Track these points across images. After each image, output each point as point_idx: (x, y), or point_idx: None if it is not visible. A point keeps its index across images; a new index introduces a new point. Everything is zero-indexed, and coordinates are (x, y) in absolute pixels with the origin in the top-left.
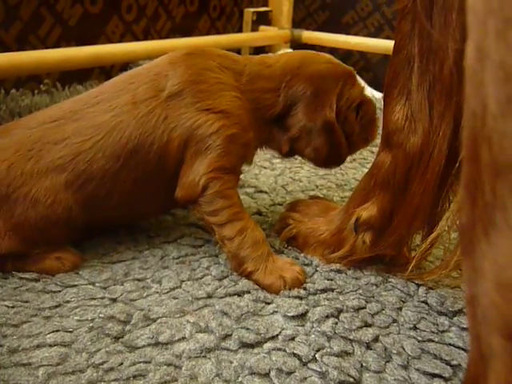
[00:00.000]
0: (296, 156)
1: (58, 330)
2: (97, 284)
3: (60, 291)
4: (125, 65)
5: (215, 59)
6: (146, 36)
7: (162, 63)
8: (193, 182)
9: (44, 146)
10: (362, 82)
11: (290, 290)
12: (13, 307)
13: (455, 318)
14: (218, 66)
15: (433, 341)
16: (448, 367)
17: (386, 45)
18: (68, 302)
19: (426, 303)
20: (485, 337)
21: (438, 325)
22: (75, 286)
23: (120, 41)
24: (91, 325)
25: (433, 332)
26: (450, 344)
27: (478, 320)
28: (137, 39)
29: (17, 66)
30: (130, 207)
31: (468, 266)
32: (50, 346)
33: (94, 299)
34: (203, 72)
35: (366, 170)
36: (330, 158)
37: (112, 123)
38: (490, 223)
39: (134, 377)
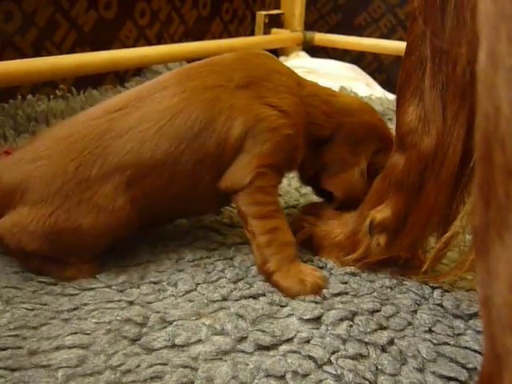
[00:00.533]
0: None
1: (76, 333)
2: (113, 287)
3: (78, 294)
4: (139, 69)
5: (282, 65)
6: (160, 40)
7: (230, 58)
8: (242, 174)
9: (110, 141)
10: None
11: (308, 295)
12: (32, 310)
13: (471, 321)
14: (286, 71)
15: (448, 344)
16: (464, 370)
17: (398, 46)
18: (86, 304)
19: (442, 306)
20: (499, 337)
21: (453, 328)
22: (92, 289)
23: (134, 45)
24: (109, 327)
25: (448, 335)
26: (465, 347)
27: (493, 320)
28: (150, 44)
29: (33, 72)
30: (186, 199)
31: (482, 268)
32: (69, 348)
33: (111, 302)
34: (271, 72)
35: (379, 173)
36: (349, 198)
37: (179, 106)
38: (503, 225)
39: (151, 378)
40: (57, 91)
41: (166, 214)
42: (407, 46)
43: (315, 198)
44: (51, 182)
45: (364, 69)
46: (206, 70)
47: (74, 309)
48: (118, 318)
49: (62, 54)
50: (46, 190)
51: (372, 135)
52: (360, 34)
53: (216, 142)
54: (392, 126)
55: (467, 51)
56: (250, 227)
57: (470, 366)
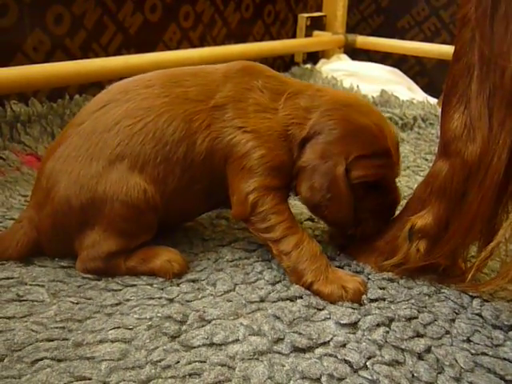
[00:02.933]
0: None
1: (119, 327)
2: (154, 285)
3: (120, 290)
4: None
5: (260, 80)
6: (202, 42)
7: (218, 72)
8: (241, 201)
9: (99, 137)
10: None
11: (349, 301)
12: (77, 303)
13: (510, 332)
14: (260, 87)
15: (487, 354)
16: (502, 382)
17: (442, 49)
18: (128, 300)
19: (481, 316)
20: None
21: (492, 338)
22: (134, 285)
23: (177, 47)
24: (150, 323)
25: (487, 345)
26: (504, 358)
27: None
28: (193, 46)
29: (81, 74)
30: (181, 199)
31: None
32: (112, 341)
33: (152, 299)
34: (244, 91)
35: (420, 178)
36: (329, 212)
37: (162, 109)
38: None
39: (190, 375)
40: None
41: (173, 212)
42: (455, 51)
43: None
44: (68, 206)
45: (406, 72)
46: (192, 80)
47: (117, 304)
48: (158, 314)
49: (108, 55)
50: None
51: (356, 137)
52: (402, 37)
53: (200, 157)
54: (433, 131)
55: None
56: (275, 250)
57: (509, 377)
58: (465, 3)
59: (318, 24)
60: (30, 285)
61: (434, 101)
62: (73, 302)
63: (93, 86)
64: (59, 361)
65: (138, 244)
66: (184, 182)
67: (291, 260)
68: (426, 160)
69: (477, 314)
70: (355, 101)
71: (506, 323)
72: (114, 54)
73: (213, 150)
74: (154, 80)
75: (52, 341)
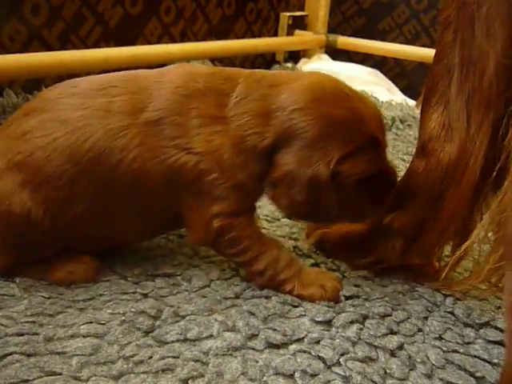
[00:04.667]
0: None
1: (91, 322)
2: (129, 278)
3: (93, 284)
4: (162, 66)
5: (201, 80)
6: (183, 38)
7: (150, 78)
8: (202, 226)
9: (10, 142)
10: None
11: (328, 299)
12: (49, 298)
13: (481, 331)
14: (202, 89)
15: (458, 352)
16: (472, 379)
17: (422, 52)
18: (101, 295)
19: (453, 314)
20: None
21: (463, 336)
22: (108, 280)
23: (158, 42)
24: (123, 318)
25: (458, 343)
26: (474, 356)
27: None
28: (174, 41)
29: (58, 65)
30: (98, 223)
31: (510, 276)
32: (84, 336)
33: (126, 293)
34: (184, 100)
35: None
36: (311, 216)
37: (78, 123)
38: None
39: (163, 370)
40: None
41: (88, 236)
42: (436, 53)
43: None
44: None
45: (386, 74)
46: (121, 87)
47: (90, 299)
48: (132, 309)
49: (87, 48)
50: None
51: (334, 134)
52: (383, 39)
53: (126, 179)
54: (411, 133)
55: (495, 62)
56: (246, 272)
57: (478, 374)
58: (447, 6)
59: (299, 23)
60: (1, 279)
61: (412, 102)
62: (44, 297)
63: (70, 78)
64: (29, 355)
65: (35, 257)
66: (101, 205)
67: (265, 278)
68: (404, 161)
69: (449, 312)
70: (321, 89)
71: (477, 321)
72: (93, 47)
73: (146, 173)
74: (78, 87)
75: (22, 335)
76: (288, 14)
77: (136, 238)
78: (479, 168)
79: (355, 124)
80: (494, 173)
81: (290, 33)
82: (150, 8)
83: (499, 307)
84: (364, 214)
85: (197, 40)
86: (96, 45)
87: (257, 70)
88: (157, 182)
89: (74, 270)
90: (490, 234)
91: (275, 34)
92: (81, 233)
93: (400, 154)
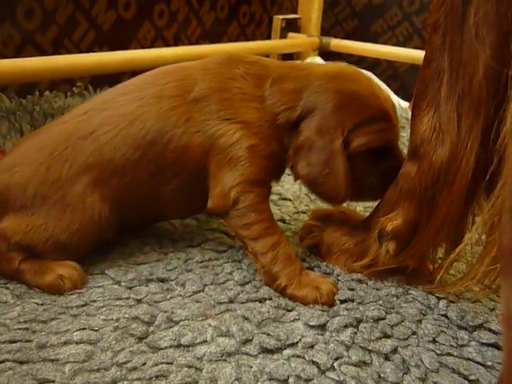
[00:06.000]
0: None
1: (84, 328)
2: (122, 283)
3: (87, 290)
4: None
5: (241, 67)
6: (177, 41)
7: (195, 67)
8: (223, 195)
9: (76, 142)
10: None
11: (324, 303)
12: (42, 304)
13: (475, 333)
14: (243, 74)
15: (451, 355)
16: (466, 382)
17: (414, 54)
18: (94, 301)
19: (446, 317)
20: None
21: (457, 339)
22: (101, 286)
23: (151, 46)
24: (116, 324)
25: (452, 346)
26: (468, 359)
27: None
28: (167, 44)
29: (52, 70)
30: (151, 203)
31: (507, 287)
32: (77, 343)
33: (120, 299)
34: (227, 81)
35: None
36: (325, 187)
37: (136, 113)
38: None
39: (157, 377)
40: (74, 88)
41: (141, 215)
42: (425, 56)
43: (325, 204)
44: (26, 187)
45: (379, 76)
46: (167, 77)
47: (83, 305)
48: (125, 315)
49: (80, 52)
50: (23, 195)
51: (351, 106)
52: (376, 41)
53: (175, 154)
54: (404, 135)
55: (484, 66)
56: (250, 249)
57: (472, 377)
58: (436, 10)
59: (292, 26)
60: None
61: (405, 104)
62: (37, 303)
63: (64, 82)
64: (22, 363)
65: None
66: (155, 185)
67: (266, 261)
68: None
69: (443, 315)
70: (342, 71)
71: (470, 324)
72: (87, 51)
73: (190, 146)
74: (130, 86)
75: (15, 342)
76: (281, 16)
77: (184, 214)
78: (471, 171)
79: (369, 98)
80: (487, 176)
81: (283, 36)
82: (143, 12)
83: (493, 309)
84: (371, 191)
85: (190, 43)
86: (89, 49)
87: (289, 62)
88: (199, 155)
89: (65, 274)
90: (483, 237)
91: (268, 37)
92: (136, 215)
93: None
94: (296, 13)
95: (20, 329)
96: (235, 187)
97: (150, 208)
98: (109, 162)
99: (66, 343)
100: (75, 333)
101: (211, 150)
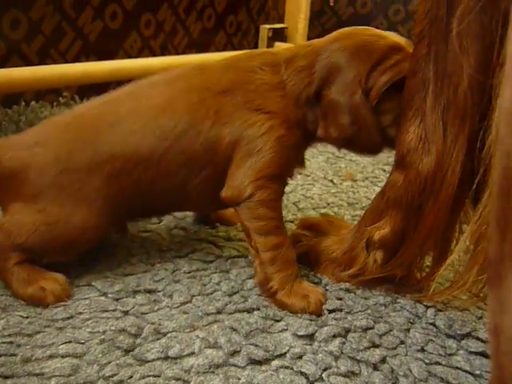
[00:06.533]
0: (308, 172)
1: (70, 342)
2: (109, 295)
3: (73, 303)
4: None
5: (256, 60)
6: (164, 51)
7: (215, 66)
8: (240, 186)
9: (102, 128)
10: None
11: (312, 313)
12: (27, 317)
13: (463, 342)
14: (260, 65)
15: (440, 364)
16: None
17: None
18: (80, 313)
19: (435, 325)
20: (508, 367)
21: (445, 348)
22: (88, 297)
23: (138, 55)
24: (103, 337)
25: (440, 355)
26: (457, 367)
27: (502, 350)
28: (154, 54)
29: (38, 80)
30: (175, 196)
31: (493, 298)
32: (62, 356)
33: (106, 311)
34: (248, 74)
35: (378, 189)
36: (360, 142)
37: (165, 104)
38: None
39: None
40: (60, 98)
41: (156, 207)
42: (411, 66)
43: (313, 213)
44: (45, 173)
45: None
46: (193, 74)
47: (69, 317)
48: (112, 327)
49: (66, 62)
50: (41, 180)
51: (358, 55)
52: None
53: (203, 147)
54: None
55: (469, 76)
56: (254, 243)
57: None
58: (421, 20)
59: (279, 35)
60: None
61: None
62: (22, 316)
63: (50, 92)
64: (6, 377)
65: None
66: (181, 178)
67: (265, 258)
68: (384, 171)
69: (431, 324)
70: (341, 32)
71: (458, 332)
72: (73, 61)
73: (219, 137)
74: (155, 80)
75: None
76: (268, 26)
77: (203, 208)
78: (457, 180)
79: (374, 41)
80: (473, 185)
81: (270, 45)
82: (130, 22)
83: (480, 317)
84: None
85: (177, 53)
86: (76, 59)
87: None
88: (227, 146)
89: (47, 288)
90: (471, 246)
91: (255, 47)
92: (154, 208)
93: (381, 165)
94: (283, 22)
95: (4, 342)
96: (254, 182)
97: (173, 201)
98: (134, 152)
99: (51, 357)
100: (61, 346)
101: (239, 140)
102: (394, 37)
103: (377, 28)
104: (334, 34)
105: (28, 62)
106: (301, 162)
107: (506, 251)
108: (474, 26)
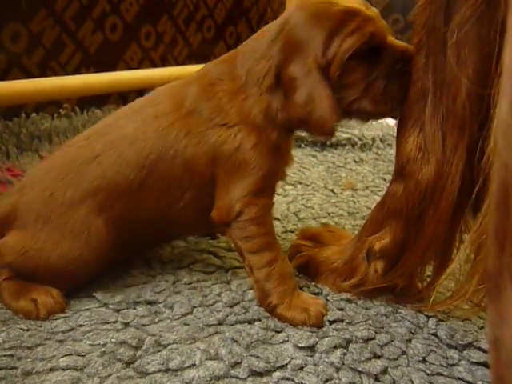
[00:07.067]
0: (309, 182)
1: (70, 354)
2: (110, 306)
3: (73, 315)
4: (142, 90)
5: (212, 70)
6: (164, 62)
7: (180, 84)
8: (227, 206)
9: (79, 167)
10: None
11: (312, 324)
12: (27, 330)
13: (465, 352)
14: (217, 76)
15: (442, 374)
16: None
17: None
18: (81, 325)
19: (436, 336)
20: (509, 379)
21: (447, 358)
22: (88, 309)
23: (138, 67)
24: (103, 349)
25: (442, 365)
26: (459, 378)
27: (502, 362)
28: (154, 65)
29: (39, 92)
30: (160, 222)
31: (493, 310)
32: (63, 369)
33: (107, 323)
34: (209, 88)
35: (378, 198)
36: (312, 121)
37: (136, 134)
38: None
39: None
40: (61, 110)
41: (148, 237)
42: (410, 76)
43: (313, 223)
44: (31, 209)
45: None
46: (160, 97)
47: (69, 330)
48: (112, 340)
49: (67, 74)
50: (27, 216)
51: (307, 31)
52: None
53: (181, 169)
54: (391, 152)
55: (467, 86)
56: (247, 262)
57: None
58: (418, 30)
59: None
60: None
61: (392, 122)
62: (22, 329)
63: (50, 104)
64: None
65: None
66: (164, 203)
67: (260, 276)
68: (385, 180)
69: (432, 334)
70: (287, 15)
71: (460, 342)
72: (73, 73)
73: (195, 157)
74: (127, 109)
75: None
76: None
77: (193, 231)
78: (457, 189)
79: (324, 12)
80: (473, 195)
81: None
82: (130, 33)
83: (482, 327)
84: (387, 96)
85: (177, 64)
86: (76, 71)
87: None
88: (205, 165)
89: (39, 300)
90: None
91: None
92: (144, 237)
93: (381, 174)
94: None
95: (5, 355)
96: (240, 200)
97: (162, 228)
98: (113, 185)
99: (51, 370)
100: (61, 359)
101: (217, 158)
102: (348, 2)
103: None
104: (279, 19)
105: (29, 75)
106: (287, 161)
107: (505, 264)
108: (471, 36)
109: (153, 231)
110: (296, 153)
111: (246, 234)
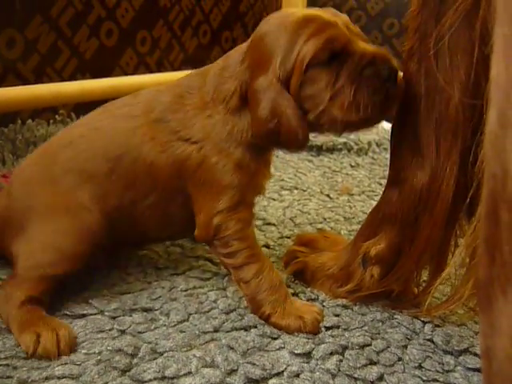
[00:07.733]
0: (305, 187)
1: (66, 363)
2: (106, 313)
3: (70, 323)
4: None
5: (186, 83)
6: (160, 67)
7: (159, 90)
8: (206, 224)
9: (56, 149)
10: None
11: (308, 332)
12: None
13: (461, 358)
14: (187, 89)
15: (438, 380)
16: None
17: None
18: (77, 333)
19: (432, 341)
20: None
21: (443, 364)
22: (84, 316)
23: (134, 72)
24: (99, 358)
25: (438, 371)
26: None
27: (493, 372)
28: (150, 71)
29: (34, 98)
30: (130, 218)
31: (484, 320)
32: (59, 378)
33: (103, 331)
34: (178, 100)
35: (374, 203)
36: (281, 135)
37: (108, 128)
38: (507, 281)
39: None
40: (57, 116)
41: (120, 229)
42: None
43: (309, 229)
44: (18, 200)
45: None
46: (139, 98)
47: None
48: (108, 347)
49: (62, 80)
50: (17, 210)
51: (269, 43)
52: None
53: (143, 172)
54: (387, 156)
55: (459, 91)
56: (234, 277)
57: None
58: (411, 36)
59: None
60: None
61: (388, 126)
62: None
63: (46, 110)
64: None
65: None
66: (128, 201)
67: (250, 289)
68: (381, 184)
69: (428, 340)
70: (254, 34)
71: (456, 348)
72: (69, 79)
73: (158, 165)
74: (109, 105)
75: None
76: None
77: (167, 235)
78: (451, 194)
79: (284, 20)
80: (467, 199)
81: None
82: (126, 39)
83: (477, 332)
84: (358, 104)
85: (173, 69)
86: (72, 77)
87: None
88: (169, 175)
89: (44, 337)
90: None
91: None
92: (118, 231)
93: (377, 178)
94: None
95: (0, 365)
96: (217, 215)
97: (132, 224)
98: (83, 170)
99: (47, 379)
100: (57, 368)
101: (182, 172)
102: (300, 11)
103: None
104: (248, 40)
105: (24, 81)
106: (262, 178)
107: (495, 274)
108: (462, 41)
109: (123, 224)
110: (292, 157)
111: (228, 251)
